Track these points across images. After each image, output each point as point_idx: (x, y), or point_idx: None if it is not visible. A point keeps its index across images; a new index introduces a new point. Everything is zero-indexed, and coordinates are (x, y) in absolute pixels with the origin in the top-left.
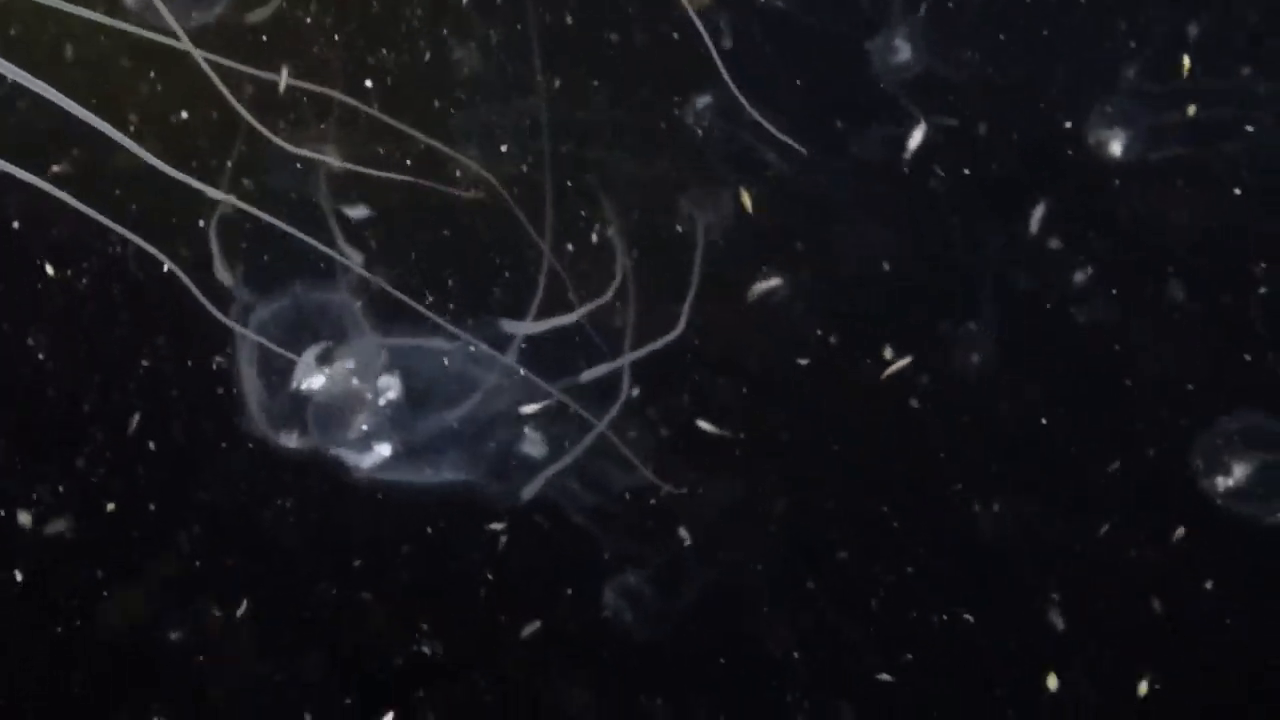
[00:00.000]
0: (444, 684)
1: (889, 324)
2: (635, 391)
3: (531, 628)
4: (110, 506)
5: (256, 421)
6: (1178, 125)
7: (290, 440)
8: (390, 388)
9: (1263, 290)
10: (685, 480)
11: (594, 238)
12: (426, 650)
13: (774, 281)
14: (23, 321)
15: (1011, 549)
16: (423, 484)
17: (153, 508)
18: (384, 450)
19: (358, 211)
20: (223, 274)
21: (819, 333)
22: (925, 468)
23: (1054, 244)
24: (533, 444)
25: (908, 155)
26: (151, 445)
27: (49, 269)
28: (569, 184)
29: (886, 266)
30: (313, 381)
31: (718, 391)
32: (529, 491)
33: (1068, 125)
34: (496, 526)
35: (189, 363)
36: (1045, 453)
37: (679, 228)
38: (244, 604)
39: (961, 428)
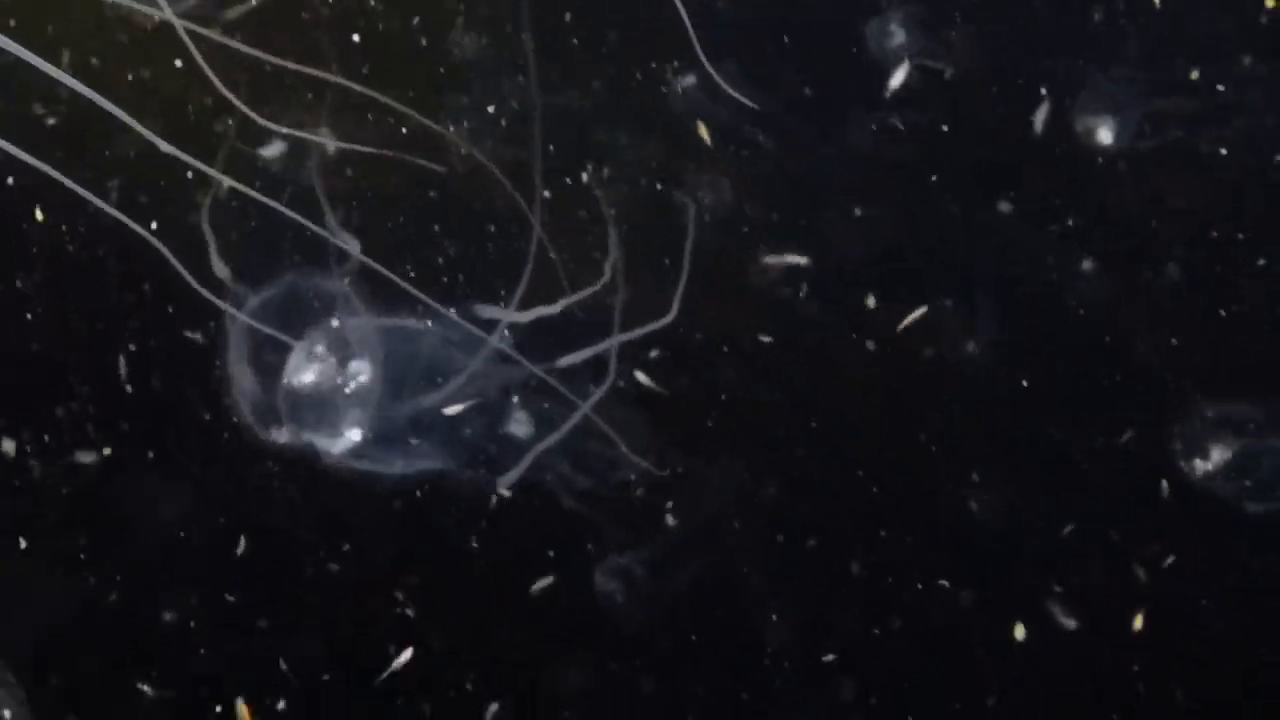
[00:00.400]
0: (436, 665)
1: (881, 306)
2: (625, 375)
3: (523, 607)
4: (106, 451)
5: (246, 417)
6: (1167, 112)
7: (280, 436)
8: (361, 372)
9: (1249, 276)
10: (676, 463)
11: (585, 215)
12: (410, 613)
13: (801, 260)
14: (10, 267)
15: (1001, 529)
16: (395, 474)
17: (138, 478)
18: (354, 435)
19: (270, 150)
20: (219, 268)
21: (813, 317)
22: (915, 448)
23: (1044, 229)
24: (519, 424)
25: (888, 94)
26: (136, 408)
27: (39, 214)
28: (559, 168)
29: (878, 251)
30: (304, 377)
31: (709, 374)
32: (505, 481)
33: (1058, 110)
34: (487, 506)
35: (176, 324)
36: (1031, 432)
37: (673, 211)
38: (233, 582)
39: (954, 409)
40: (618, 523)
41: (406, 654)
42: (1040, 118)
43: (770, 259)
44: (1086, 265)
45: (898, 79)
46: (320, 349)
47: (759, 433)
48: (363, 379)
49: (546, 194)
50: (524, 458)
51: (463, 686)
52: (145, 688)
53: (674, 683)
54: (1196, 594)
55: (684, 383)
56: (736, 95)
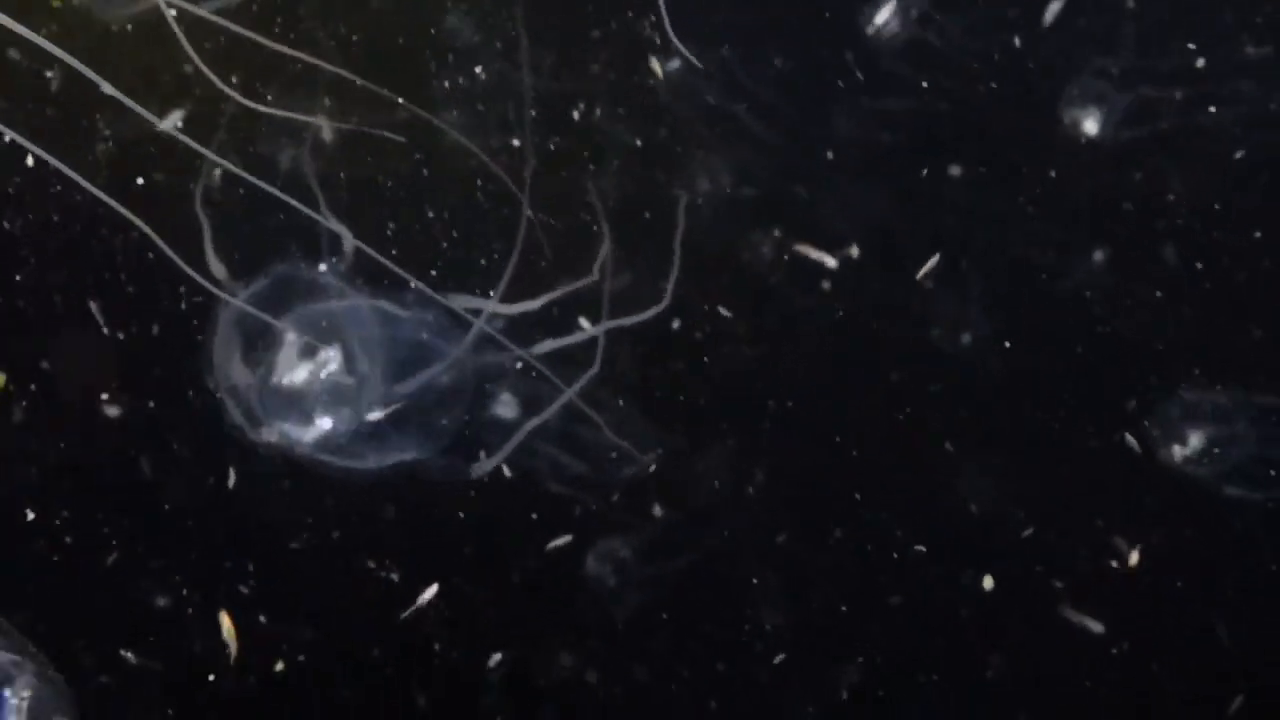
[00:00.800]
0: (428, 658)
1: (871, 294)
2: (615, 361)
3: (512, 592)
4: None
5: (235, 415)
6: (1153, 101)
7: (270, 435)
8: (332, 360)
9: (1231, 262)
10: (668, 447)
11: (575, 203)
12: (396, 580)
13: (830, 260)
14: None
15: (987, 509)
16: (368, 467)
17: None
18: (325, 424)
19: (168, 122)
20: (214, 265)
21: (802, 301)
22: (907, 432)
23: (1033, 214)
24: (505, 406)
25: (871, 30)
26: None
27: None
28: (549, 153)
29: (869, 233)
30: (295, 375)
31: (699, 359)
32: (485, 466)
33: (1050, 98)
34: (474, 491)
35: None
36: (1017, 415)
37: (664, 198)
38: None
39: (943, 395)
40: (608, 507)
41: (432, 590)
42: (1018, 188)
43: (804, 249)
44: (1072, 249)
45: (882, 17)
46: (306, 343)
47: (749, 417)
48: (332, 367)
49: (533, 180)
50: (506, 443)
51: (453, 670)
52: (129, 655)
53: (664, 667)
54: (1175, 574)
55: (674, 367)
56: (686, 52)
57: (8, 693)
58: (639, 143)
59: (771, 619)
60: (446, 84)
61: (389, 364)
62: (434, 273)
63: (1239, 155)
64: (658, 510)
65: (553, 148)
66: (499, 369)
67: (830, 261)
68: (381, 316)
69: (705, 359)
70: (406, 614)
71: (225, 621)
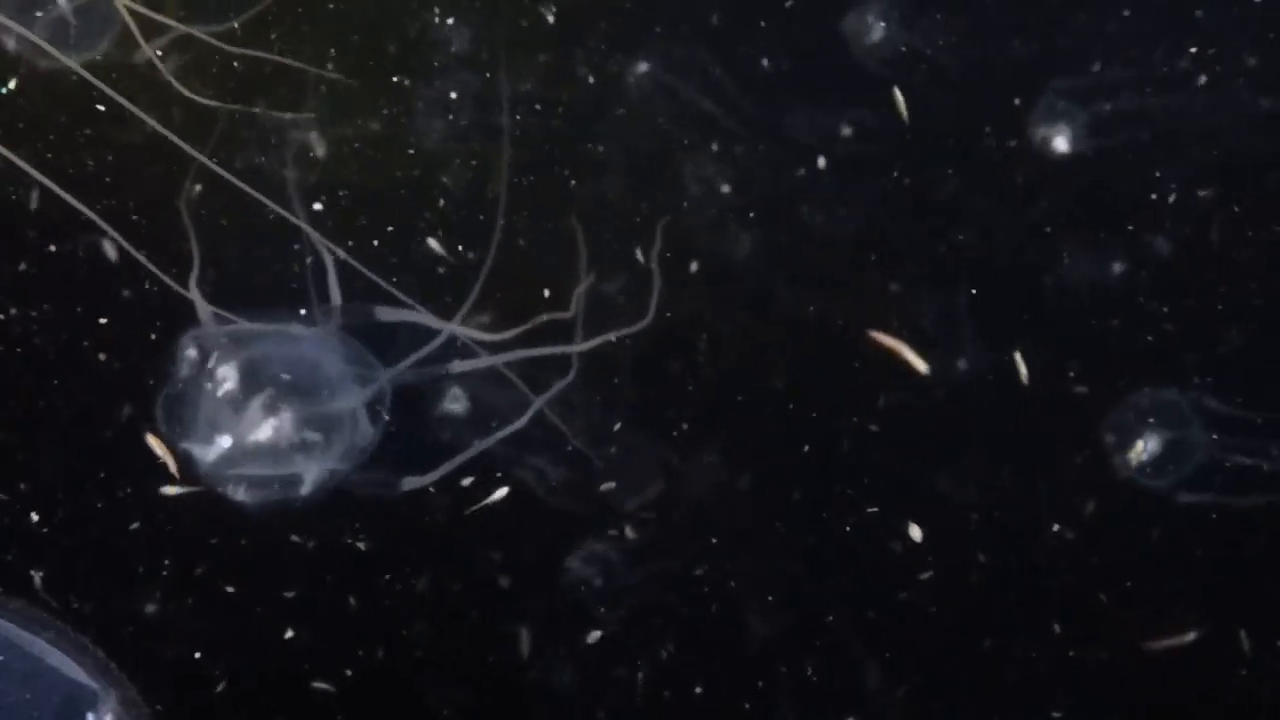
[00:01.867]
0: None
1: (857, 300)
2: (593, 371)
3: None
4: None
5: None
6: (1125, 113)
7: (238, 492)
8: (228, 378)
9: (1198, 269)
10: (651, 455)
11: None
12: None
13: (922, 366)
14: None
15: (973, 514)
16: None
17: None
18: (224, 442)
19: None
20: (200, 302)
21: (788, 314)
22: (892, 435)
23: (1013, 221)
24: (455, 400)
25: (853, 37)
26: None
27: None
28: (528, 166)
29: (851, 245)
30: (261, 433)
31: (689, 372)
32: (411, 483)
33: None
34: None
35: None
36: (995, 423)
37: (642, 214)
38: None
39: (927, 399)
40: (589, 512)
41: (502, 491)
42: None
43: (881, 337)
44: (1046, 253)
45: (876, 35)
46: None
47: (733, 423)
48: (229, 385)
49: (511, 192)
50: (461, 455)
51: (433, 683)
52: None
53: (650, 668)
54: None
55: (657, 377)
56: (667, 57)
57: (91, 717)
58: (620, 152)
59: (758, 624)
60: (428, 95)
61: (298, 384)
62: (405, 284)
63: (1204, 164)
64: (645, 513)
65: (533, 158)
66: (451, 381)
67: (922, 367)
68: (290, 337)
69: (690, 367)
70: (470, 510)
71: (153, 441)
